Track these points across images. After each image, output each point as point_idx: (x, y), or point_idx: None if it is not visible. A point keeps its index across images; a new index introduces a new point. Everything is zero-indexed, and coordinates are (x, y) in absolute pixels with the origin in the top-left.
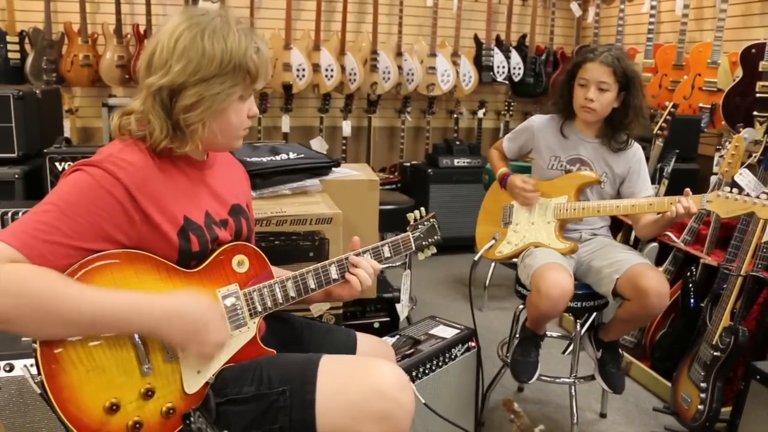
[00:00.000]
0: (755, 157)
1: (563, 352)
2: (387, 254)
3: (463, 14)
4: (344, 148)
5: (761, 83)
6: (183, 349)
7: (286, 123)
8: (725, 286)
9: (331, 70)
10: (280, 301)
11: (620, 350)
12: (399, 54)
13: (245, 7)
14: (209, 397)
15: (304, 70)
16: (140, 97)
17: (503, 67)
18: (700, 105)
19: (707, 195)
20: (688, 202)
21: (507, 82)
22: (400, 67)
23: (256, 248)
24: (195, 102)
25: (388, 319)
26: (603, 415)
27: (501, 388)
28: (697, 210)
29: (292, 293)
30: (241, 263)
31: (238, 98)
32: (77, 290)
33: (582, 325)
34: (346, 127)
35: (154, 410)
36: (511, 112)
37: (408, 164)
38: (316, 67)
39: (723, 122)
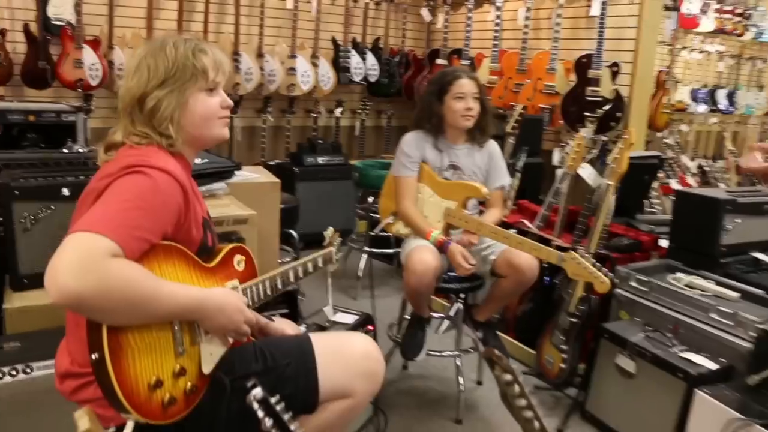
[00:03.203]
0: (595, 154)
1: (435, 331)
2: (320, 264)
3: (322, 17)
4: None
5: (591, 88)
6: (219, 333)
7: None
8: None
9: None
10: (263, 296)
11: (495, 327)
12: (260, 55)
13: (103, 4)
14: (221, 377)
15: None
16: (120, 128)
17: (360, 68)
18: (542, 106)
19: (563, 254)
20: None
21: (363, 82)
22: (261, 68)
23: (248, 249)
24: (155, 105)
25: (287, 311)
26: (479, 383)
27: (390, 367)
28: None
29: (268, 291)
30: (239, 262)
31: (205, 92)
32: (160, 286)
33: (462, 305)
34: None
35: (182, 388)
36: (367, 111)
37: (273, 163)
38: None
39: (561, 121)
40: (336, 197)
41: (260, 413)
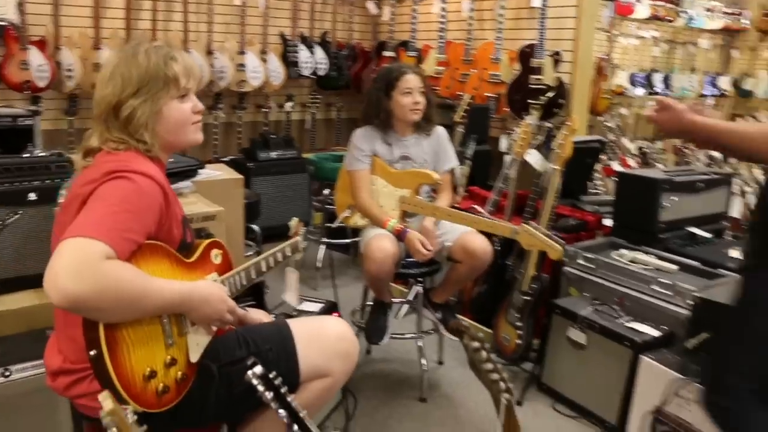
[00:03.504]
0: (540, 140)
1: (395, 316)
2: (288, 253)
3: (270, 12)
4: None
5: (534, 77)
6: (204, 323)
7: None
8: None
9: None
10: (239, 286)
11: (453, 307)
12: (210, 52)
13: (48, 4)
14: (208, 365)
15: None
16: (96, 133)
17: (309, 62)
18: (487, 94)
19: (516, 227)
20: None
21: (313, 76)
22: (211, 65)
23: (223, 243)
24: (131, 112)
25: (254, 302)
26: (441, 363)
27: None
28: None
29: (244, 281)
30: (216, 256)
31: (177, 99)
32: (150, 283)
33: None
34: None
35: (173, 377)
36: (317, 105)
37: (226, 159)
38: None
39: (507, 109)
40: (291, 191)
41: (260, 387)
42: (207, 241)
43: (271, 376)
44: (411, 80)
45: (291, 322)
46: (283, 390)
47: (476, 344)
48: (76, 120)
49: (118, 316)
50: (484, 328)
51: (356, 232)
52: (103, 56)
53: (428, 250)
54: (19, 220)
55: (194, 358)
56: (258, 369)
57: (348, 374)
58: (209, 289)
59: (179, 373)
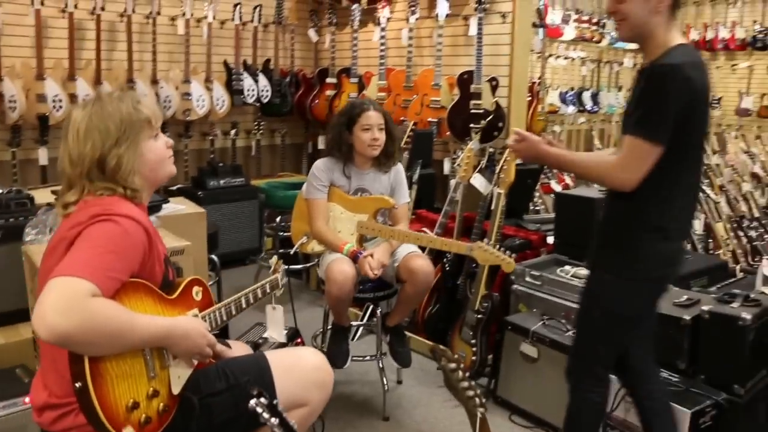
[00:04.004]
0: (483, 163)
1: (352, 339)
2: (268, 290)
3: (213, 41)
4: None
5: (473, 102)
6: (185, 357)
7: (43, 155)
8: (474, 265)
9: None
10: (220, 322)
11: (404, 332)
12: (155, 81)
13: None
14: (189, 397)
15: (60, 100)
16: (75, 189)
17: (253, 89)
18: (429, 119)
19: (471, 245)
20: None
21: (257, 103)
22: (157, 95)
23: (204, 281)
24: (117, 162)
25: (218, 331)
26: (400, 382)
27: None
28: None
29: (224, 317)
30: (197, 293)
31: (150, 139)
32: (134, 319)
33: (372, 314)
34: None
35: (155, 408)
36: (261, 131)
37: (175, 188)
38: (73, 97)
39: (448, 133)
40: (241, 218)
41: (266, 415)
42: (188, 279)
43: (275, 403)
44: (371, 117)
45: (268, 353)
46: (285, 415)
47: (453, 365)
48: (19, 151)
49: (104, 350)
50: (439, 347)
51: (308, 258)
52: (72, 116)
53: (374, 268)
54: None
55: (176, 390)
56: (263, 399)
57: (324, 403)
58: (190, 324)
59: (161, 404)
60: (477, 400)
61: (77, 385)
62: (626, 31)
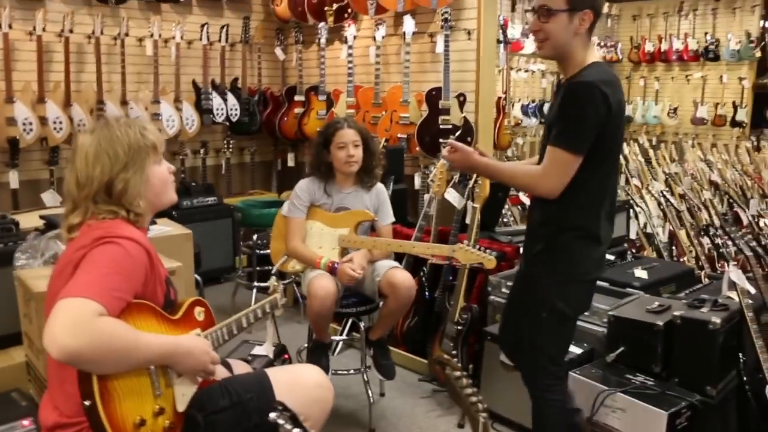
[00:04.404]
0: (455, 177)
1: (332, 353)
2: (268, 310)
3: (181, 61)
4: None
5: (442, 117)
6: (190, 374)
7: (14, 179)
8: (452, 278)
9: (60, 123)
10: (221, 341)
11: (387, 346)
12: (125, 102)
13: None
14: (194, 414)
15: (30, 123)
16: (79, 210)
17: (222, 109)
18: (399, 135)
19: (454, 246)
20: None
21: (226, 122)
22: (127, 116)
23: (206, 301)
24: (124, 186)
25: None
26: (383, 395)
27: None
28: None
29: (226, 336)
30: (199, 313)
31: (155, 164)
32: (139, 337)
33: (352, 328)
34: None
35: (161, 425)
36: (231, 149)
37: None
38: (43, 120)
39: (418, 148)
40: (215, 236)
41: (288, 426)
42: (190, 300)
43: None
44: (345, 135)
45: (270, 371)
46: (306, 426)
47: (458, 373)
48: None
49: (112, 367)
50: (419, 359)
51: (283, 275)
52: (80, 141)
53: (356, 268)
54: None
55: (181, 407)
56: (287, 413)
57: (324, 420)
58: (193, 342)
59: (167, 422)
60: (479, 405)
61: (86, 403)
62: (548, 50)
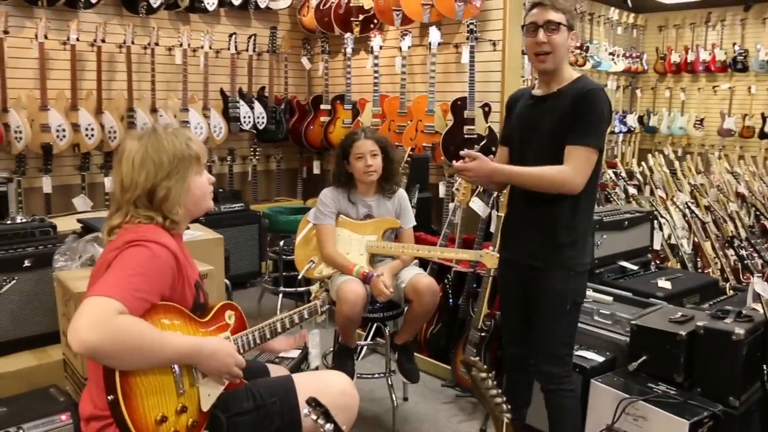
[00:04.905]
0: (481, 188)
1: (357, 358)
2: (306, 316)
3: (209, 70)
4: (108, 203)
5: (467, 127)
6: (214, 376)
7: (47, 183)
8: (475, 285)
9: (91, 129)
10: (253, 345)
11: (411, 350)
12: (154, 110)
13: None
14: (218, 415)
15: (64, 130)
16: (120, 212)
17: (249, 117)
18: (424, 144)
19: (481, 252)
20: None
21: (253, 130)
22: (156, 123)
23: (237, 305)
24: (166, 193)
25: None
26: (406, 399)
27: None
28: None
29: (258, 340)
30: (230, 316)
31: (197, 175)
32: (161, 336)
33: (377, 332)
34: (108, 183)
35: (184, 423)
36: (257, 157)
37: None
38: (75, 127)
39: (443, 157)
40: (242, 242)
41: (321, 421)
42: (221, 303)
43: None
44: (362, 145)
45: (296, 376)
46: (337, 420)
47: (483, 375)
48: (24, 179)
49: (133, 363)
50: (442, 365)
51: (308, 281)
52: (128, 146)
53: (388, 286)
54: (15, 286)
55: (205, 407)
56: (319, 407)
57: (349, 426)
58: (218, 344)
59: (190, 420)
60: (504, 406)
61: (110, 397)
62: (551, 63)
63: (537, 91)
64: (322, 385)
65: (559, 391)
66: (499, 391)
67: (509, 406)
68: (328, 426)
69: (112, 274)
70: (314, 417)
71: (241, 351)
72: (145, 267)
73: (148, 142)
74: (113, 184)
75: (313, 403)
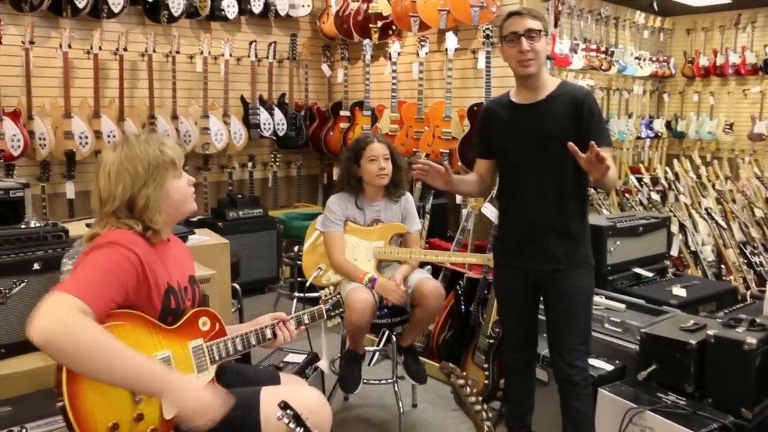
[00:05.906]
0: (494, 192)
1: (368, 364)
2: (306, 321)
3: (230, 77)
4: None
5: None
6: (176, 409)
7: (70, 189)
8: (486, 291)
9: (113, 136)
10: (231, 352)
11: (417, 352)
12: (175, 117)
13: (19, 76)
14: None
15: (86, 137)
16: (100, 222)
17: (269, 123)
18: (441, 150)
19: (489, 255)
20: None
21: (273, 137)
22: (177, 130)
23: (215, 312)
24: (146, 202)
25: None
26: (415, 405)
27: (335, 398)
28: None
29: (239, 347)
30: (204, 323)
31: (174, 179)
32: (115, 344)
33: (388, 338)
34: None
35: (143, 430)
36: (277, 163)
37: (195, 219)
38: (98, 134)
39: (459, 163)
40: (260, 248)
41: (292, 425)
42: (194, 310)
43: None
44: (375, 148)
45: (265, 390)
46: (308, 424)
47: (462, 381)
48: (47, 185)
49: (82, 366)
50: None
51: (314, 288)
52: (104, 157)
53: (399, 286)
54: (24, 288)
55: (168, 415)
56: (290, 411)
57: None
58: (183, 383)
59: (150, 428)
60: (484, 414)
61: (59, 404)
62: (535, 68)
63: (519, 99)
64: (293, 399)
65: (586, 388)
66: (479, 398)
67: (490, 414)
68: (299, 429)
69: (75, 274)
70: (285, 421)
71: (217, 358)
72: (109, 266)
73: (122, 153)
74: (92, 198)
75: (284, 405)
